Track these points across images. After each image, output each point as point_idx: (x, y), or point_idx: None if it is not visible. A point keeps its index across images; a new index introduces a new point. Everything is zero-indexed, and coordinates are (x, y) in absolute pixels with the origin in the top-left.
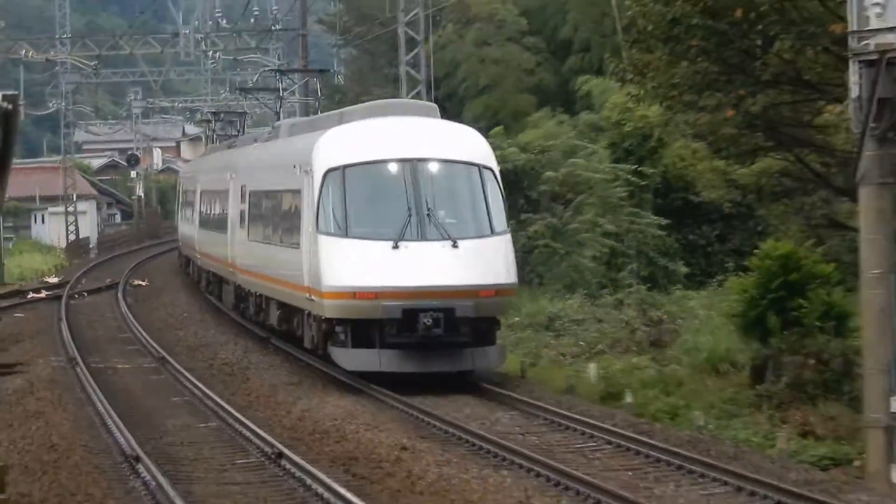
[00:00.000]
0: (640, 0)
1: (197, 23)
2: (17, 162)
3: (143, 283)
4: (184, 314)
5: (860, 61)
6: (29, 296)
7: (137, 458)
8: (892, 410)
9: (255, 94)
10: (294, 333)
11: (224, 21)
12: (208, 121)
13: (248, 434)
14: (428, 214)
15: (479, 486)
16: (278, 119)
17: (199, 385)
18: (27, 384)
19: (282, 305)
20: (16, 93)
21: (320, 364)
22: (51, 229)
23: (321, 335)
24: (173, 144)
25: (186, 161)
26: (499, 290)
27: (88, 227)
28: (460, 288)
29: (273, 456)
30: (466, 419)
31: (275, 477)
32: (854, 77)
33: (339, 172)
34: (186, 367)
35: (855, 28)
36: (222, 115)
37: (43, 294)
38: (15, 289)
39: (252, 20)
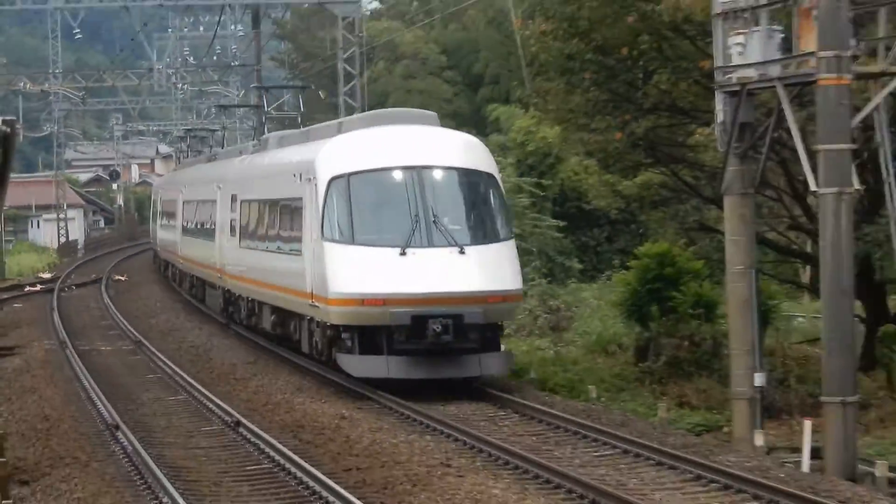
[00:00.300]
0: (541, 38)
1: (168, 59)
2: (15, 176)
3: (123, 279)
4: (157, 304)
5: (725, 92)
6: (26, 289)
7: (117, 427)
8: (755, 385)
9: (234, 110)
10: (290, 338)
11: (191, 58)
12: (183, 138)
13: (211, 406)
14: (434, 221)
15: (407, 448)
16: (261, 133)
17: (170, 364)
18: (24, 364)
19: (277, 310)
20: (14, 118)
21: (273, 347)
22: (45, 233)
23: (326, 341)
24: (148, 161)
25: (160, 175)
26: (506, 296)
27: (76, 231)
28: (469, 294)
29: (232, 424)
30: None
31: (234, 442)
32: (720, 105)
33: (344, 180)
34: (159, 349)
35: (720, 64)
36: (194, 134)
37: (38, 287)
38: (14, 283)
39: (214, 57)
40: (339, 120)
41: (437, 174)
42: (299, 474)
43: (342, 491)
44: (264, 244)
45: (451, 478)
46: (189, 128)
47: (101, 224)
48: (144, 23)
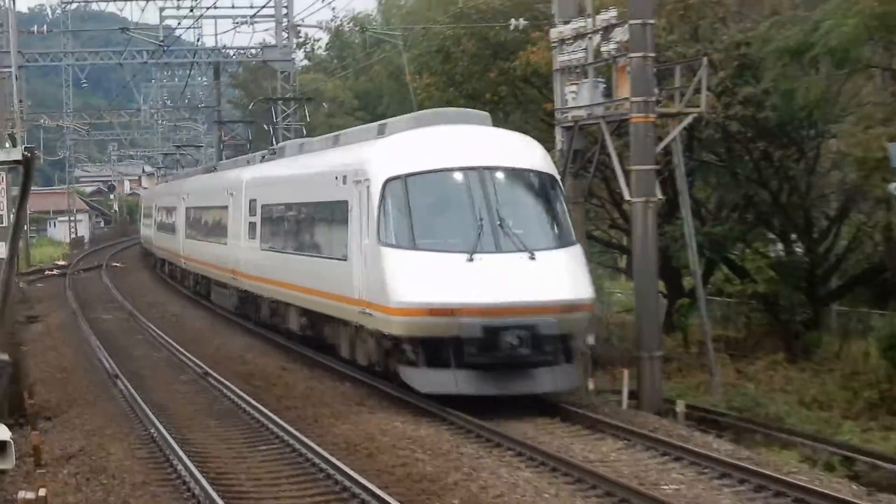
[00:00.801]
0: (426, 88)
1: (151, 102)
2: (36, 189)
3: (119, 266)
4: (144, 285)
5: (562, 127)
6: (46, 272)
7: (117, 376)
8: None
9: (201, 138)
10: (324, 341)
11: (168, 101)
12: (172, 154)
13: (186, 360)
14: (500, 224)
15: (332, 393)
16: (221, 157)
17: (155, 329)
18: (45, 328)
19: (307, 313)
20: (34, 146)
21: (231, 316)
22: (59, 231)
23: (381, 352)
24: (136, 178)
25: (145, 188)
26: (581, 306)
27: (83, 229)
28: (544, 304)
29: (201, 374)
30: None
31: (203, 387)
32: (559, 137)
33: (401, 182)
34: (147, 318)
35: (559, 106)
36: (183, 152)
37: (55, 272)
38: (37, 268)
39: (186, 101)
40: (382, 122)
41: (500, 175)
42: (251, 411)
43: (284, 423)
44: (293, 247)
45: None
46: (179, 145)
47: (102, 224)
48: (134, 75)
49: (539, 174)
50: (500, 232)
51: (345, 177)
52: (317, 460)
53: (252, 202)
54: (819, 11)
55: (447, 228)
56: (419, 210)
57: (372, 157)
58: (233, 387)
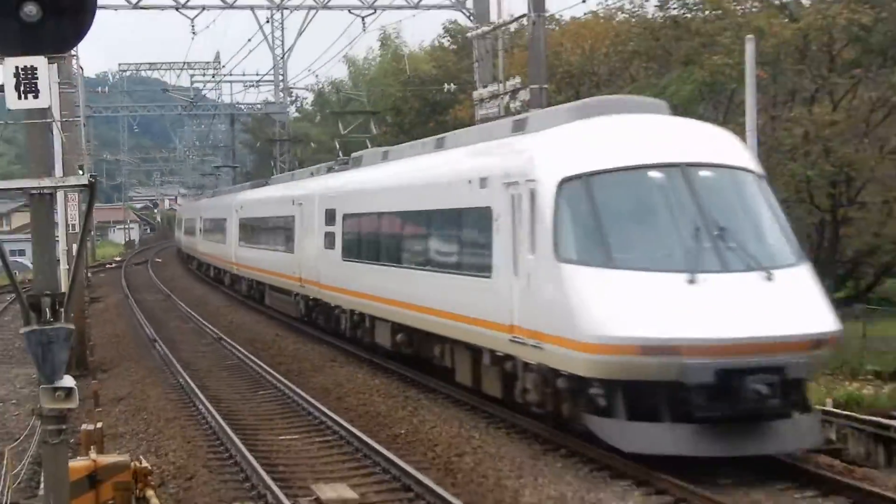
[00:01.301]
0: (383, 135)
1: (185, 142)
2: (99, 205)
3: (159, 261)
4: (178, 276)
5: None
6: (106, 266)
7: (155, 340)
8: None
9: (240, 158)
10: (429, 361)
11: (196, 142)
12: (211, 174)
13: (207, 329)
14: (719, 235)
15: (312, 352)
16: (274, 173)
17: (185, 307)
18: (105, 306)
19: (405, 329)
20: (97, 174)
21: (241, 298)
22: (117, 236)
23: (550, 391)
24: (174, 197)
25: (180, 206)
26: (830, 339)
27: (134, 235)
28: (792, 338)
29: (217, 339)
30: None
31: (219, 348)
32: None
33: (582, 182)
34: (180, 299)
35: None
36: (220, 171)
37: (113, 265)
38: (100, 263)
39: (209, 141)
40: (516, 117)
41: (709, 174)
42: (252, 366)
43: (276, 374)
44: (391, 259)
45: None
46: (218, 165)
47: (148, 231)
48: (171, 123)
49: (751, 173)
50: (723, 245)
51: (484, 179)
52: (300, 402)
53: (329, 212)
54: (665, 79)
55: (653, 241)
56: (613, 217)
57: (534, 154)
58: (240, 348)
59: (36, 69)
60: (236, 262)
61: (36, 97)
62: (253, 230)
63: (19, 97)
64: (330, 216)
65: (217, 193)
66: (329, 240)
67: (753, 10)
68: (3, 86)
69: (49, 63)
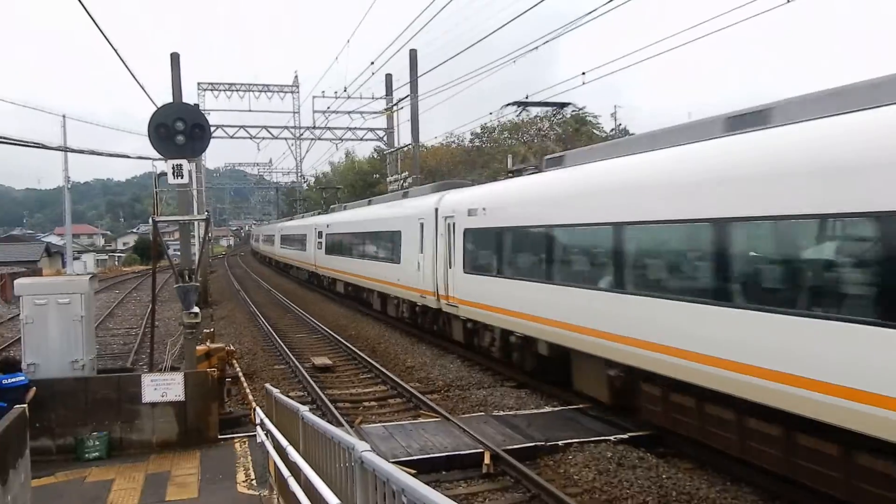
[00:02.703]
0: (345, 199)
1: (253, 199)
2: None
3: (243, 254)
4: (251, 263)
5: None
6: (218, 256)
7: (239, 291)
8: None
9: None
10: (601, 390)
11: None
12: (297, 200)
13: (266, 286)
14: None
15: (329, 301)
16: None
17: (255, 276)
18: (217, 275)
19: (555, 348)
20: (210, 213)
21: (313, 289)
22: (222, 243)
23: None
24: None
25: (251, 228)
26: None
27: (231, 242)
28: None
29: (267, 290)
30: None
31: (271, 294)
32: None
33: (447, 219)
34: (253, 272)
35: None
36: (304, 196)
37: (220, 257)
38: (215, 255)
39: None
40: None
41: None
42: (289, 304)
43: (302, 311)
44: (553, 277)
45: None
46: (294, 198)
47: (236, 241)
48: (249, 190)
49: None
50: None
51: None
52: (307, 319)
53: (451, 226)
54: (473, 173)
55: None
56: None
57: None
58: (281, 296)
59: (182, 165)
60: (325, 266)
61: (182, 178)
62: (345, 245)
63: (174, 178)
64: (451, 229)
65: (281, 219)
66: (450, 254)
67: (511, 141)
68: (165, 172)
69: (189, 162)
